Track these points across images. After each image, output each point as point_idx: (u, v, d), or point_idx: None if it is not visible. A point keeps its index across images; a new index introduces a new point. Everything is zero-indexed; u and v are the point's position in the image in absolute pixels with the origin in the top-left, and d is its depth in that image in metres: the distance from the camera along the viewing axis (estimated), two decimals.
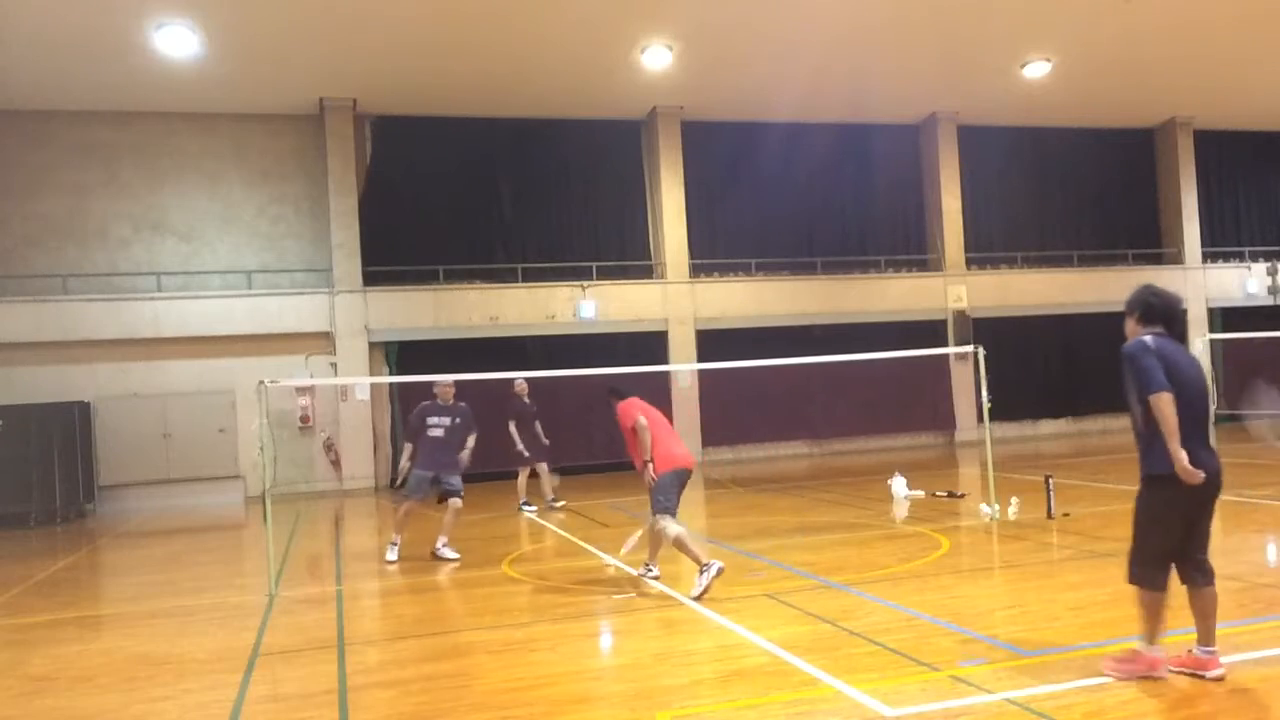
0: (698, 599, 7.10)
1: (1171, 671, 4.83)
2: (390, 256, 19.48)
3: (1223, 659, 4.96)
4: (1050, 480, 10.38)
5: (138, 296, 18.33)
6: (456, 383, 10.30)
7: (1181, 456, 4.59)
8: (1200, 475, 4.59)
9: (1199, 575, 4.83)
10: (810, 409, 20.92)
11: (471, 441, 10.20)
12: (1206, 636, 4.82)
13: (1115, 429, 22.99)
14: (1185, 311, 4.92)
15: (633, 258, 21.12)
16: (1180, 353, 4.85)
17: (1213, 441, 4.86)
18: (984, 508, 10.48)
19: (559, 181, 20.82)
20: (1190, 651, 4.86)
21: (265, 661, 6.29)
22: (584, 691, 5.27)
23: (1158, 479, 4.73)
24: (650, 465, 7.63)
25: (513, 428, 13.56)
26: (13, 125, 18.41)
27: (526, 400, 13.69)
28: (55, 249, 18.58)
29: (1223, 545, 8.88)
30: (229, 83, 17.85)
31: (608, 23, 16.59)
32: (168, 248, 19.13)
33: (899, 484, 12.80)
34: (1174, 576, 4.90)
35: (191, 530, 14.57)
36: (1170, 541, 4.79)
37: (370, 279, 19.26)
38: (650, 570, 8.10)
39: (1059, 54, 19.34)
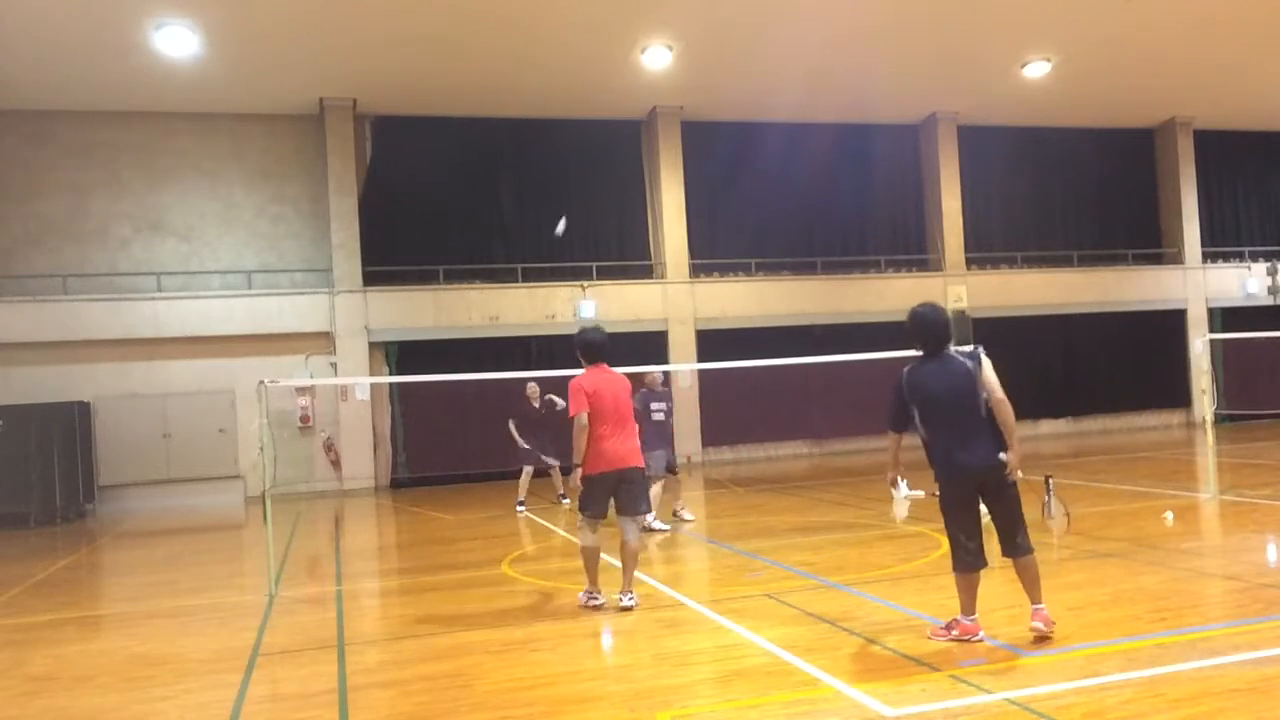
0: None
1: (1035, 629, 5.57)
2: (390, 256, 19.48)
3: (1223, 659, 5.03)
4: (1050, 480, 10.37)
5: (138, 296, 18.33)
6: (458, 382, 10.57)
7: (891, 477, 6.40)
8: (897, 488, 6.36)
9: (1013, 549, 5.66)
10: (810, 409, 20.91)
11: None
12: (1034, 597, 5.65)
13: (1115, 429, 23.01)
14: (945, 325, 5.74)
15: (633, 258, 21.12)
16: (933, 371, 5.68)
17: (979, 440, 5.59)
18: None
19: (559, 181, 20.81)
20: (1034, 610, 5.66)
21: (265, 661, 6.28)
22: (584, 691, 5.26)
23: (939, 480, 5.79)
24: (578, 469, 7.04)
25: (512, 426, 13.58)
26: (13, 125, 18.41)
27: (535, 404, 13.57)
28: (55, 249, 18.57)
29: (1223, 545, 8.89)
30: (229, 83, 17.85)
31: (608, 23, 16.59)
32: (168, 248, 19.13)
33: (899, 484, 12.76)
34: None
35: (191, 530, 14.57)
36: (960, 528, 5.70)
37: (370, 279, 19.26)
38: (633, 596, 7.18)
39: (1059, 54, 19.34)
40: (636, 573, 7.31)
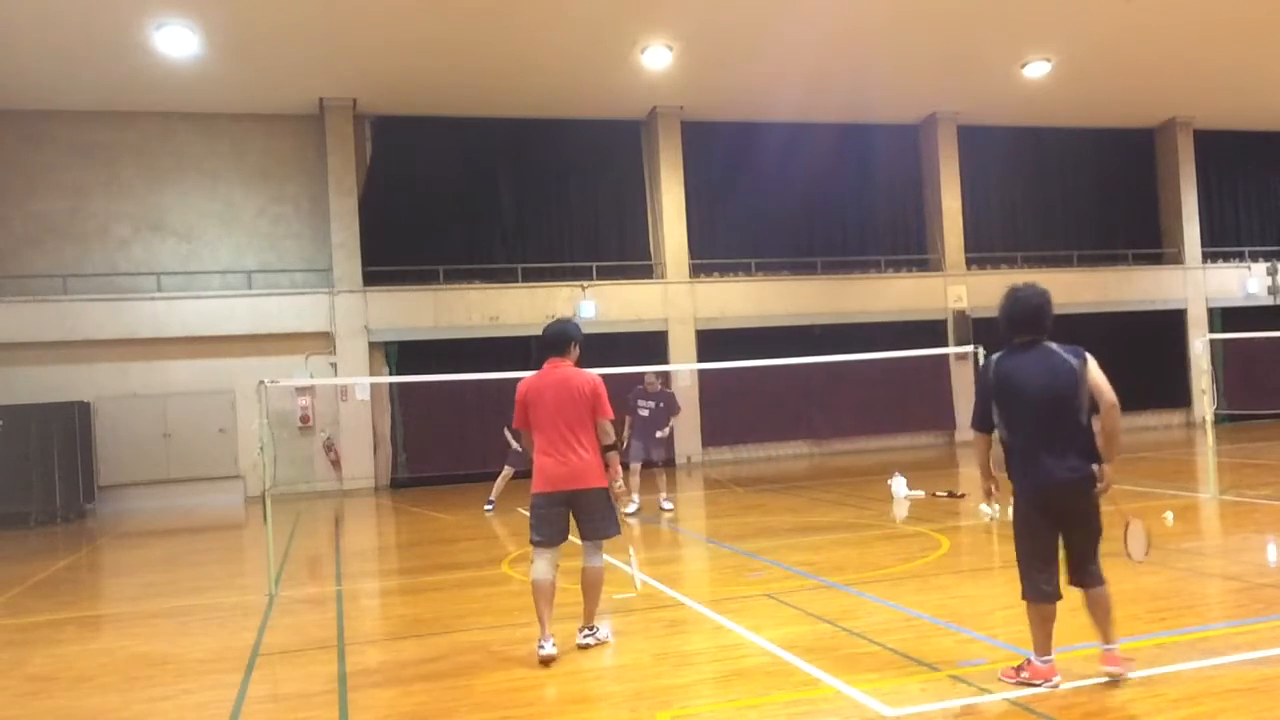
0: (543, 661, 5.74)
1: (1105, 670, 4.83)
2: (390, 256, 19.48)
3: (1223, 659, 5.04)
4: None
5: (138, 296, 18.33)
6: (458, 382, 10.61)
7: (987, 486, 5.21)
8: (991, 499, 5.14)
9: (1086, 578, 4.87)
10: (810, 409, 20.92)
11: (674, 422, 12.82)
12: (1105, 634, 4.88)
13: None
14: (1046, 310, 4.95)
15: (633, 258, 21.12)
16: (1033, 362, 4.85)
17: (1073, 451, 4.77)
18: (984, 508, 10.47)
19: (559, 181, 20.81)
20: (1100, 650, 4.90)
21: (265, 661, 6.28)
22: (584, 691, 5.27)
23: (1016, 494, 4.91)
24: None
25: (507, 431, 13.68)
26: (13, 125, 18.41)
27: None
28: (55, 249, 18.57)
29: (1223, 545, 8.89)
30: (229, 83, 17.85)
31: (608, 23, 16.59)
32: (168, 248, 19.13)
33: (899, 484, 12.79)
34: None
35: (191, 530, 14.57)
36: (1037, 552, 4.83)
37: (370, 279, 19.26)
38: (594, 631, 6.14)
39: (1059, 54, 19.33)
40: (637, 573, 7.22)
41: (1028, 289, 5.03)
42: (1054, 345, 4.91)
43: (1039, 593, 4.82)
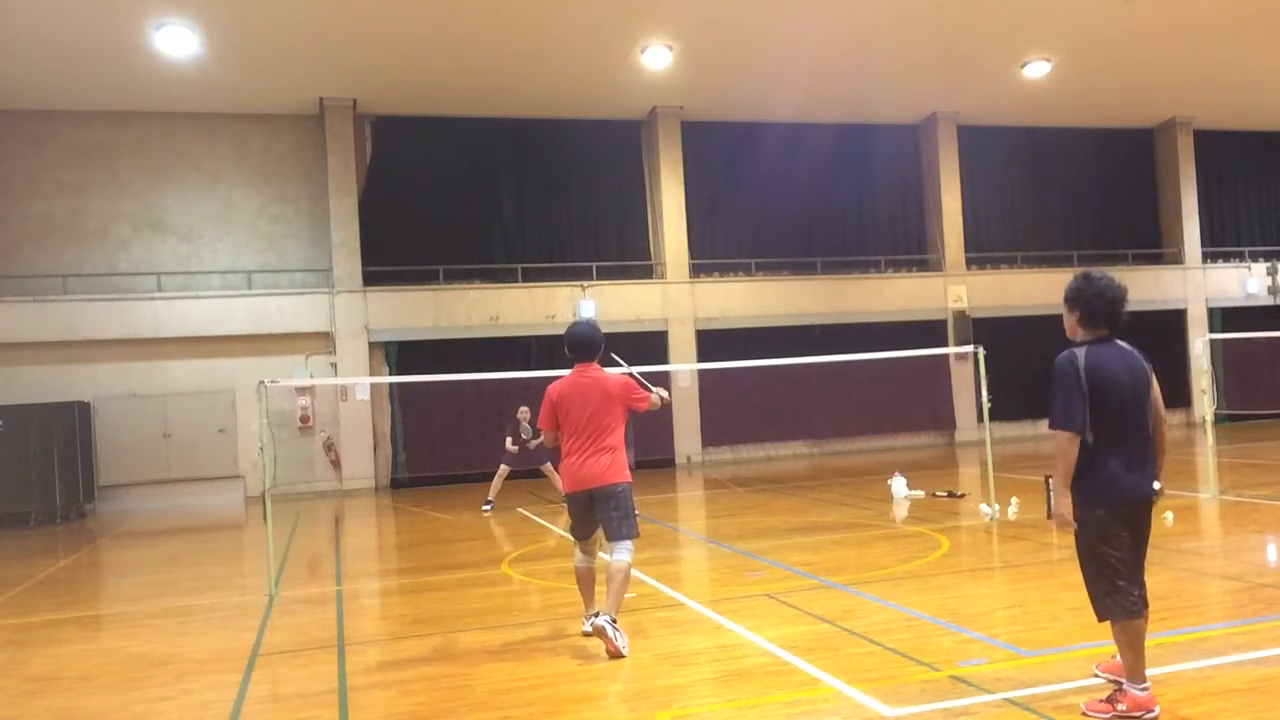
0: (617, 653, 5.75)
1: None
2: (390, 256, 19.48)
3: (1223, 659, 5.02)
4: (1050, 480, 10.37)
5: (138, 296, 18.33)
6: (458, 382, 10.41)
7: (1064, 507, 4.39)
8: (1070, 526, 4.37)
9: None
10: (810, 409, 20.91)
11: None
12: (1135, 673, 4.41)
13: None
14: (1122, 299, 4.45)
15: (633, 258, 21.12)
16: (1116, 360, 4.40)
17: (1150, 457, 4.44)
18: (984, 508, 10.49)
19: (559, 181, 20.82)
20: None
21: (265, 661, 6.28)
22: (584, 691, 5.26)
23: (1099, 503, 4.38)
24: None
25: (510, 444, 13.67)
26: (13, 125, 18.41)
27: (521, 432, 13.69)
28: (55, 249, 18.57)
29: (1223, 545, 8.89)
30: (229, 83, 17.85)
31: (608, 23, 16.59)
32: (168, 248, 19.14)
33: (899, 484, 12.79)
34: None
35: (191, 530, 14.57)
36: (1124, 564, 4.34)
37: (370, 279, 19.26)
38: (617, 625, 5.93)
39: (1059, 54, 19.34)
40: (640, 573, 7.20)
41: (1106, 278, 4.49)
42: (1124, 343, 4.51)
43: (1133, 608, 4.32)
